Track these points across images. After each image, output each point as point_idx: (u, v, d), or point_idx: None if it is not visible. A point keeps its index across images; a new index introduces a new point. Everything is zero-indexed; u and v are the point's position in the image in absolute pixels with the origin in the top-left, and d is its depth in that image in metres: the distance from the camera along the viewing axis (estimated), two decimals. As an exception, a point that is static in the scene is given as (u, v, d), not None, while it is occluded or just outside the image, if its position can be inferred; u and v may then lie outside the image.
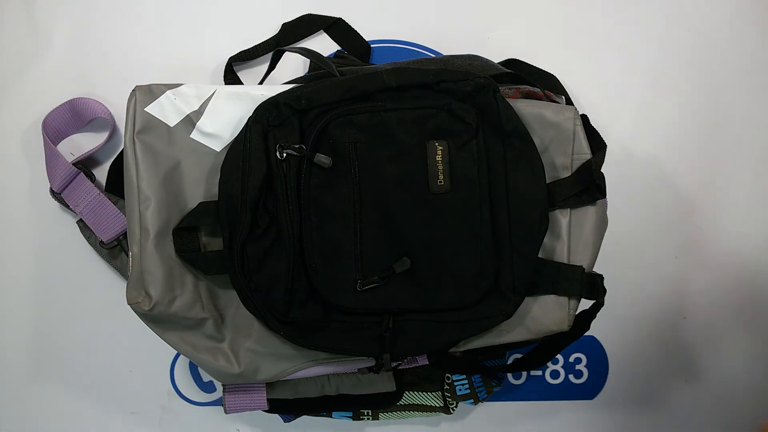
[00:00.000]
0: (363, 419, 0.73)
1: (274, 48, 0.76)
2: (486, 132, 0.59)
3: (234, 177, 0.57)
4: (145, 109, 0.62)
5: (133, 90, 0.63)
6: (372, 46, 0.78)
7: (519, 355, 0.77)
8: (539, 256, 0.60)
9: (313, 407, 0.68)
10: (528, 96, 0.65)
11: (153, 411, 0.76)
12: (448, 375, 0.72)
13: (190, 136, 0.63)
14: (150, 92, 0.63)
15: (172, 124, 0.63)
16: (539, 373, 0.79)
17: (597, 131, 0.63)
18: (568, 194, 0.61)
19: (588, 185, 0.61)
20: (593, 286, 0.61)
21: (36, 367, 0.75)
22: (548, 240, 0.62)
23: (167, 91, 0.63)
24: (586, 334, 0.64)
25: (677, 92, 0.78)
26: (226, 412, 0.64)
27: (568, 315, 0.62)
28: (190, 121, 0.63)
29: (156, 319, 0.60)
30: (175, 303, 0.60)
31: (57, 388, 0.75)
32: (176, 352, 0.75)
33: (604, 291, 0.61)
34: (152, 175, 0.61)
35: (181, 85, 0.64)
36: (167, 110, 0.63)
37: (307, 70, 0.76)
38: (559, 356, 0.78)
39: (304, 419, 0.71)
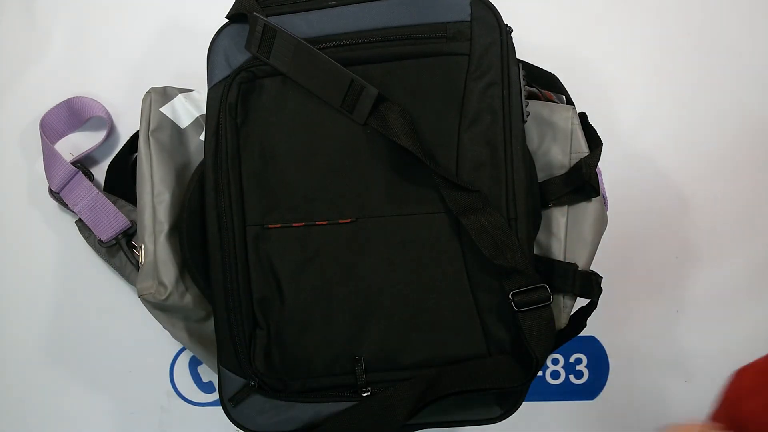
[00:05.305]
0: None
1: None
2: None
3: None
4: (159, 109, 0.65)
5: (148, 91, 0.66)
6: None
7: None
8: (534, 252, 0.60)
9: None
10: (528, 96, 0.64)
11: (152, 411, 0.76)
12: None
13: (200, 138, 0.66)
14: (164, 94, 0.66)
15: (183, 126, 0.67)
16: (539, 373, 0.78)
17: (595, 129, 0.64)
18: (561, 193, 0.61)
19: (582, 184, 0.60)
20: (587, 285, 0.61)
21: (34, 367, 0.75)
22: (544, 237, 0.63)
23: (179, 95, 0.67)
24: (587, 334, 0.64)
25: (677, 92, 0.78)
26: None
27: (562, 312, 0.61)
28: (200, 124, 0.66)
29: (167, 309, 0.63)
30: (186, 295, 0.63)
31: (56, 388, 0.76)
32: (175, 352, 0.76)
33: (599, 291, 0.61)
34: (165, 171, 0.64)
35: (193, 90, 0.68)
36: (179, 112, 0.67)
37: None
38: (559, 356, 0.78)
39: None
